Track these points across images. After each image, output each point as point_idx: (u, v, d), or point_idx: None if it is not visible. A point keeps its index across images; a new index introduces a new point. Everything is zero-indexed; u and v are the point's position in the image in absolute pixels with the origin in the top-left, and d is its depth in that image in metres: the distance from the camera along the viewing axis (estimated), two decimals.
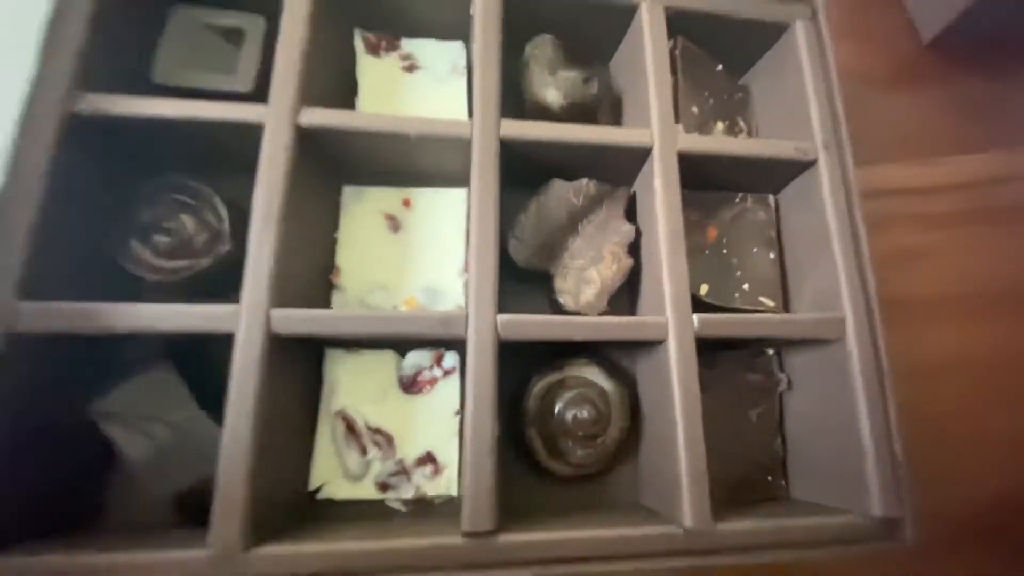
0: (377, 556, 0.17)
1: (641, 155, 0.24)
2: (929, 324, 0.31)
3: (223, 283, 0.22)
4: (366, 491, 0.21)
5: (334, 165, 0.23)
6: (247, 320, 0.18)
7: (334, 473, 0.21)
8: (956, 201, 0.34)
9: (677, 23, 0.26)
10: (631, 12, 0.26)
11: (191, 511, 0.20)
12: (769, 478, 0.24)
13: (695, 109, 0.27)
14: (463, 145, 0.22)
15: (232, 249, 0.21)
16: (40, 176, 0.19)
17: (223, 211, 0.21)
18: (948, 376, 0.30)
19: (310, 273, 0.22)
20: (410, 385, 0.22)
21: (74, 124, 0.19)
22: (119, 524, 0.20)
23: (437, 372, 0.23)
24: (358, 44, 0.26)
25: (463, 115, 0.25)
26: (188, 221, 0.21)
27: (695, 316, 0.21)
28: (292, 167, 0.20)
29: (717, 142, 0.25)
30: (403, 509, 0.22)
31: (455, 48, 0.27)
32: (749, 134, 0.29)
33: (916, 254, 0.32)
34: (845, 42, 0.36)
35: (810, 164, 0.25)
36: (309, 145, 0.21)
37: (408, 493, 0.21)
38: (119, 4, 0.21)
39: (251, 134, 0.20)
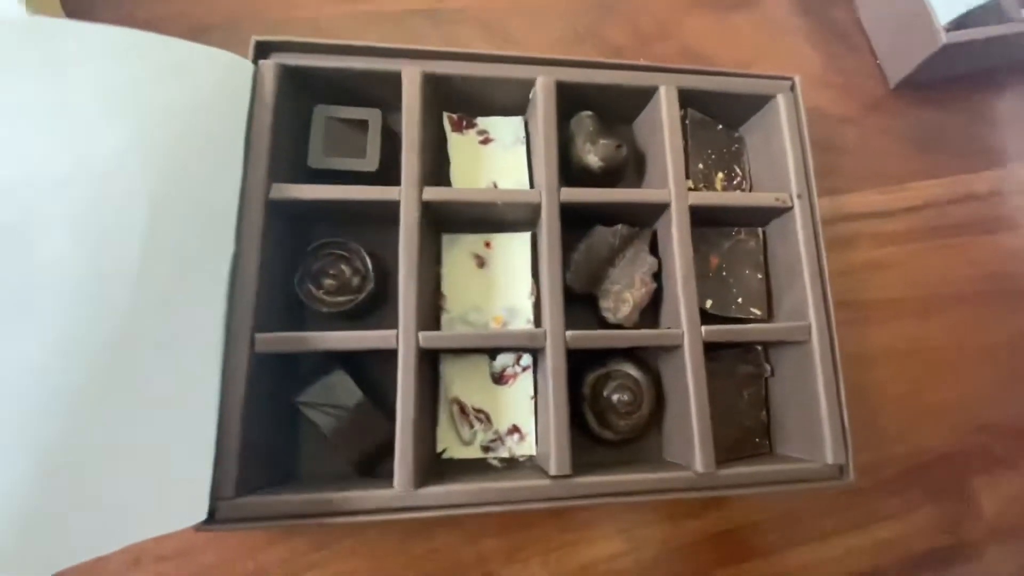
0: (496, 492, 0.27)
1: (661, 208, 0.32)
2: (889, 320, 0.40)
3: (366, 311, 0.31)
4: (474, 452, 0.30)
5: (439, 221, 0.32)
6: (403, 340, 0.27)
7: (453, 440, 0.30)
8: (912, 220, 0.42)
9: (687, 97, 0.34)
10: (652, 92, 0.34)
11: (362, 466, 0.29)
12: (757, 440, 0.33)
13: (700, 165, 0.35)
14: (533, 207, 0.31)
15: (375, 287, 0.30)
16: (255, 244, 0.27)
17: (367, 259, 0.30)
18: (902, 360, 0.39)
19: (430, 301, 0.31)
20: (499, 378, 0.32)
21: (270, 206, 0.28)
22: (309, 478, 0.30)
23: (518, 369, 0.32)
24: (446, 123, 0.34)
25: (525, 174, 0.34)
26: (345, 269, 0.30)
27: (703, 328, 0.30)
28: (420, 230, 0.29)
29: (717, 196, 0.33)
30: (499, 465, 0.31)
31: (516, 122, 0.35)
32: (744, 179, 0.37)
33: (878, 265, 0.41)
34: (826, 89, 0.44)
35: (787, 209, 0.33)
36: (428, 212, 0.30)
37: (503, 453, 0.30)
38: (282, 111, 0.30)
39: (389, 206, 0.29)
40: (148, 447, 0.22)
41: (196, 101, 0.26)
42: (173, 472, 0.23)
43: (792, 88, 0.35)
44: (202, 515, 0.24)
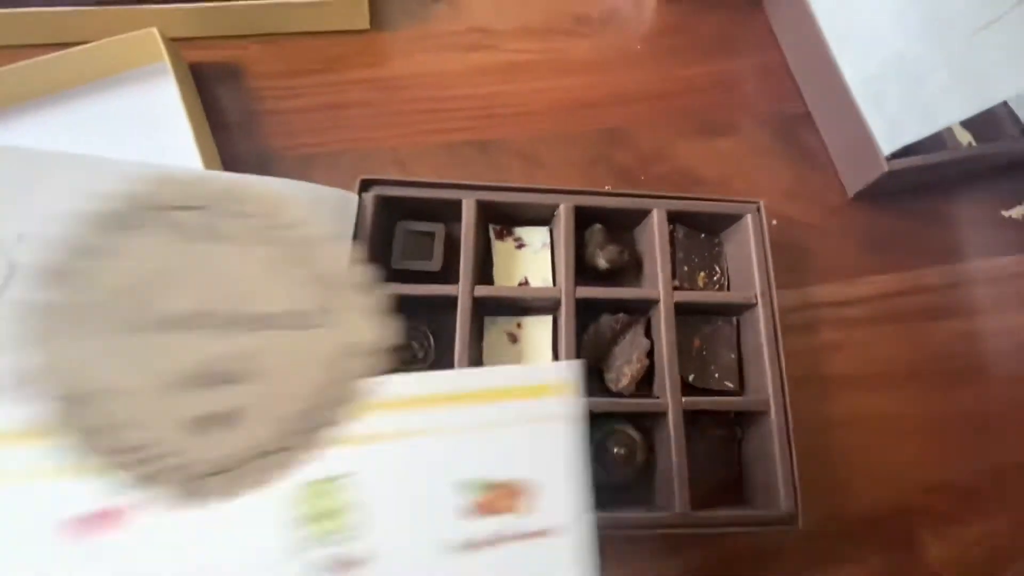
0: None
1: (653, 302, 0.42)
2: (843, 392, 0.48)
3: None
4: None
5: (483, 307, 0.43)
6: None
7: None
8: (866, 309, 0.51)
9: (675, 216, 0.45)
10: (647, 212, 0.45)
11: None
12: (729, 490, 0.42)
13: (686, 268, 0.45)
14: (555, 300, 0.41)
15: (436, 357, 0.40)
16: None
17: (431, 337, 0.41)
18: (854, 426, 0.47)
19: None
20: None
21: None
22: None
23: None
24: (491, 233, 0.45)
25: (549, 273, 0.44)
26: (415, 344, 0.40)
27: (685, 398, 0.39)
28: (472, 317, 0.39)
29: (696, 295, 0.43)
30: None
31: (543, 231, 0.46)
32: (722, 275, 0.47)
33: (835, 346, 0.49)
34: (795, 200, 0.54)
35: (752, 305, 0.43)
36: (478, 303, 0.40)
37: None
38: (376, 227, 0.41)
39: (449, 300, 0.40)
40: None
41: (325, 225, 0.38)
42: None
43: (758, 210, 0.45)
44: None
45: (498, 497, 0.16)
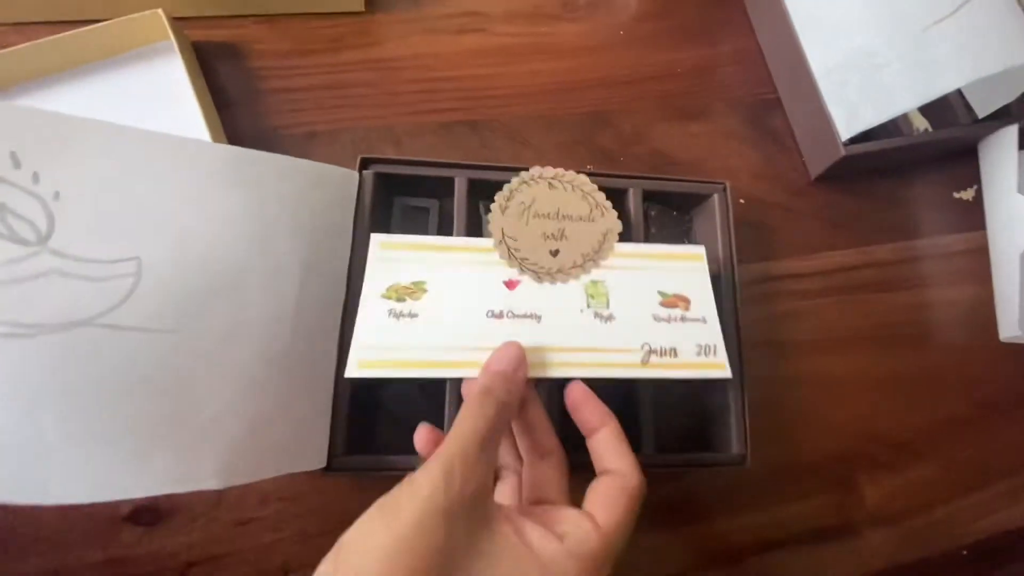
0: None
1: None
2: (798, 356, 0.53)
3: None
4: None
5: None
6: None
7: None
8: (822, 282, 0.56)
9: (650, 195, 0.49)
10: (624, 191, 0.49)
11: None
12: (696, 437, 0.47)
13: (658, 242, 0.50)
14: None
15: None
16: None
17: None
18: (805, 385, 0.52)
19: None
20: None
21: None
22: (378, 448, 0.44)
23: None
24: (481, 209, 0.49)
25: None
26: None
27: None
28: None
29: None
30: None
31: None
32: None
33: (795, 315, 0.54)
34: (762, 180, 0.59)
35: (717, 276, 0.47)
36: None
37: None
38: (375, 202, 0.45)
39: None
40: (297, 413, 0.36)
41: (328, 201, 0.41)
42: (308, 432, 0.38)
43: (724, 190, 0.50)
44: (322, 463, 0.38)
45: (675, 300, 0.36)
